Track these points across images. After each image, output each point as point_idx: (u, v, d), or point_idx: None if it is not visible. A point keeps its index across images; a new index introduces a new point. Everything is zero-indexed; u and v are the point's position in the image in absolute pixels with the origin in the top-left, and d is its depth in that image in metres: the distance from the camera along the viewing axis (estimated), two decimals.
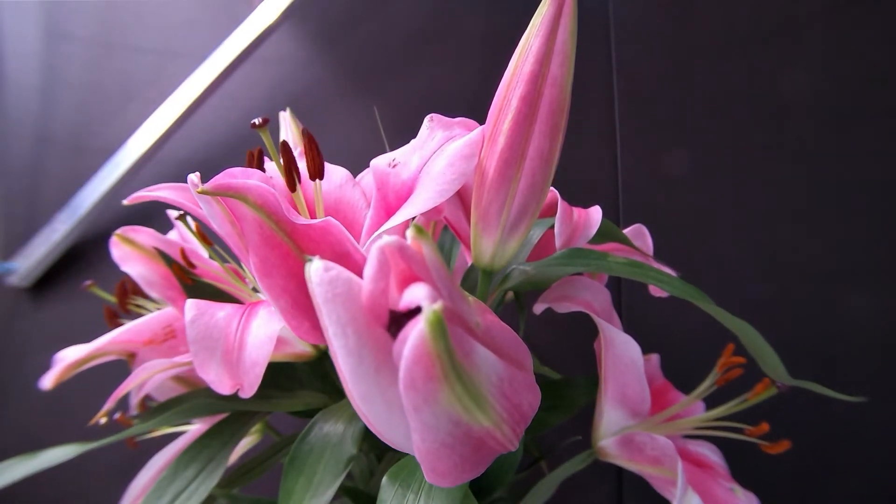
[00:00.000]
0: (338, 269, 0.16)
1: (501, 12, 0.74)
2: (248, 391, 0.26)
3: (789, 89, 0.64)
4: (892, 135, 0.61)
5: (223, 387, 0.27)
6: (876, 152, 0.61)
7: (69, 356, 0.36)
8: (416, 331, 0.14)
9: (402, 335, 0.16)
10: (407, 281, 0.17)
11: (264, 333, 0.27)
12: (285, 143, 0.28)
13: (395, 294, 0.17)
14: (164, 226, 0.43)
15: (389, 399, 0.16)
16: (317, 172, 0.29)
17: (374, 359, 0.16)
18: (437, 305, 0.14)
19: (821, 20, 0.65)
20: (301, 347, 0.35)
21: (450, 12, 0.77)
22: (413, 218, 0.25)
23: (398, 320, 0.17)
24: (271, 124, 0.30)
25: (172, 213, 0.40)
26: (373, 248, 0.16)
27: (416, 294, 0.15)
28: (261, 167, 0.28)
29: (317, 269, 0.16)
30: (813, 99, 0.64)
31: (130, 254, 0.41)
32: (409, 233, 0.16)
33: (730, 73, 0.67)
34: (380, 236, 0.25)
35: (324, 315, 0.15)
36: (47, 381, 0.36)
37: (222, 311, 0.28)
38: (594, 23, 0.71)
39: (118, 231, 0.40)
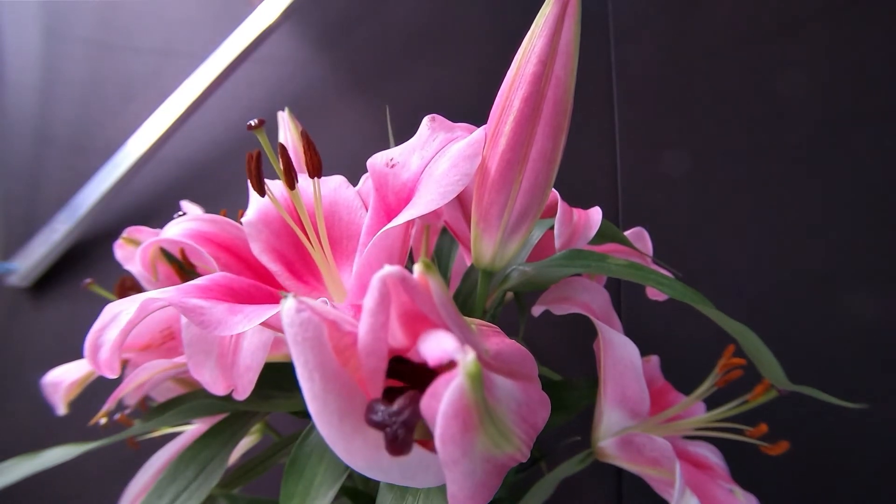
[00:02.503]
0: (309, 312, 0.15)
1: (502, 12, 0.74)
2: (243, 394, 0.27)
3: (789, 89, 0.64)
4: (892, 135, 0.61)
5: (218, 388, 0.27)
6: (876, 152, 0.61)
7: (66, 378, 0.36)
8: (454, 386, 0.14)
9: (432, 390, 0.15)
10: (409, 316, 0.16)
11: (259, 339, 0.27)
12: (283, 146, 0.29)
13: (395, 328, 0.17)
14: (161, 226, 0.43)
15: (354, 447, 0.15)
16: (315, 171, 0.29)
17: (338, 406, 0.15)
18: (473, 356, 0.14)
19: (820, 20, 0.65)
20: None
21: (450, 13, 0.77)
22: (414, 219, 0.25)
23: (400, 366, 0.16)
24: (271, 124, 0.30)
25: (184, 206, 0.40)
26: (374, 279, 0.15)
27: (446, 347, 0.14)
28: (259, 169, 0.28)
29: (289, 309, 0.15)
30: (812, 99, 0.64)
31: (134, 253, 0.41)
32: (417, 267, 0.15)
33: (730, 73, 0.67)
34: (380, 253, 0.25)
35: (293, 356, 0.15)
36: (60, 409, 0.37)
37: (222, 304, 0.28)
38: (594, 23, 0.71)
39: (125, 234, 0.41)
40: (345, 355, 0.16)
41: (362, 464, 0.16)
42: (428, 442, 0.20)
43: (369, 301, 0.15)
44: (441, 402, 0.14)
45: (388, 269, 0.15)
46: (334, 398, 0.15)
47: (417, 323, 0.17)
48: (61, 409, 0.37)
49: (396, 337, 0.17)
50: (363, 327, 0.15)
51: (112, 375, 0.23)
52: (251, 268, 0.31)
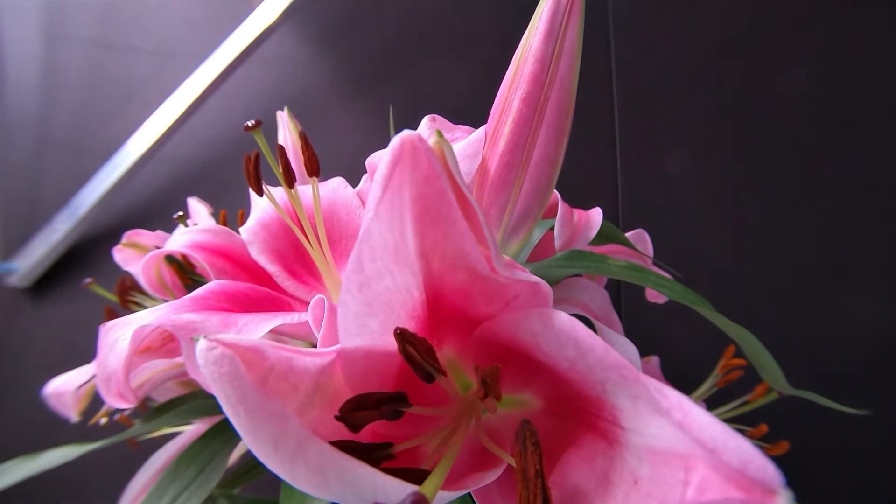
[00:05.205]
0: (221, 348, 0.15)
1: (502, 13, 0.74)
2: None
3: (789, 90, 0.64)
4: (892, 135, 0.61)
5: None
6: (876, 153, 0.61)
7: (67, 387, 0.37)
8: None
9: None
10: (427, 211, 0.15)
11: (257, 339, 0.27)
12: (281, 147, 0.29)
13: (411, 239, 0.16)
14: (161, 227, 0.43)
15: (297, 473, 0.15)
16: (313, 170, 0.29)
17: (270, 435, 0.15)
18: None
19: (821, 21, 0.65)
20: (300, 348, 0.35)
21: (450, 13, 0.77)
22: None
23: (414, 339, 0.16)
24: (271, 124, 0.30)
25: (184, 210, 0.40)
26: (393, 140, 0.15)
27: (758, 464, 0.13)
28: (257, 170, 0.28)
29: (200, 350, 0.15)
30: (812, 99, 0.64)
31: (134, 255, 0.41)
32: (432, 138, 0.16)
33: (730, 74, 0.67)
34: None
35: (216, 395, 0.15)
36: (73, 417, 0.37)
37: (217, 314, 0.28)
38: (594, 22, 0.71)
39: (124, 238, 0.41)
40: (289, 382, 0.16)
41: (309, 487, 0.15)
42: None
43: (385, 160, 0.15)
44: None
45: (408, 132, 0.15)
46: (264, 428, 0.15)
47: (434, 231, 0.16)
48: (74, 417, 0.37)
49: (409, 255, 0.16)
50: (375, 195, 0.15)
51: (130, 405, 0.23)
52: (249, 272, 0.31)
